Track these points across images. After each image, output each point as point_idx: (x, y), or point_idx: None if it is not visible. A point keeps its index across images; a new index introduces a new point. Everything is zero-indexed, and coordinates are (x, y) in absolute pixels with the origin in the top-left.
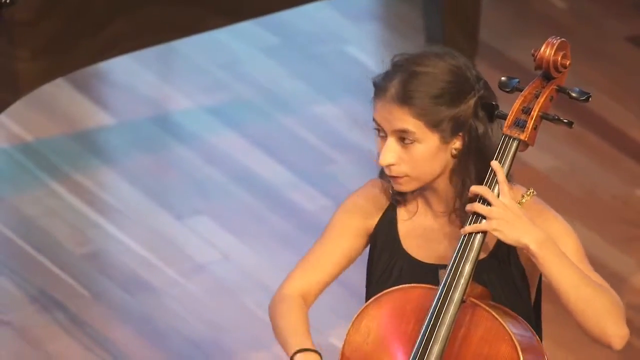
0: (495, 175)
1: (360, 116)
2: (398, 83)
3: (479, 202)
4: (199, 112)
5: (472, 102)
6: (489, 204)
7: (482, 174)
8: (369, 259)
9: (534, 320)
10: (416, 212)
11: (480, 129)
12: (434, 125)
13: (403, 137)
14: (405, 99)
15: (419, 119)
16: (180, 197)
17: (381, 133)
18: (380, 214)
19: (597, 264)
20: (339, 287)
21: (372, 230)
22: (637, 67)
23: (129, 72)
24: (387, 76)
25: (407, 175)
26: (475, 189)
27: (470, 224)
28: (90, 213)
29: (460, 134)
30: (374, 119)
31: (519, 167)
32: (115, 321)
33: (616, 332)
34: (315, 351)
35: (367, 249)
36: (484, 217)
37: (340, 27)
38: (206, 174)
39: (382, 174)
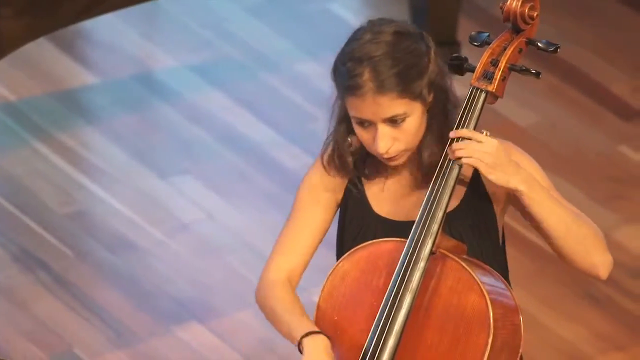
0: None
1: None
2: (370, 75)
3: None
4: (183, 71)
5: (433, 54)
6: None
7: (451, 122)
8: (339, 227)
9: (503, 262)
10: (382, 173)
11: (441, 77)
12: (417, 96)
13: (393, 121)
14: (386, 87)
15: (405, 97)
16: (164, 157)
17: (365, 124)
18: (346, 182)
19: None
20: (328, 249)
21: (341, 200)
22: (622, 23)
23: (113, 31)
24: (351, 73)
25: (403, 150)
26: (461, 132)
27: (445, 165)
28: (75, 173)
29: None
30: (354, 117)
31: (501, 124)
32: (100, 281)
33: (603, 261)
34: (323, 333)
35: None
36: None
37: None
38: (191, 133)
39: (334, 159)
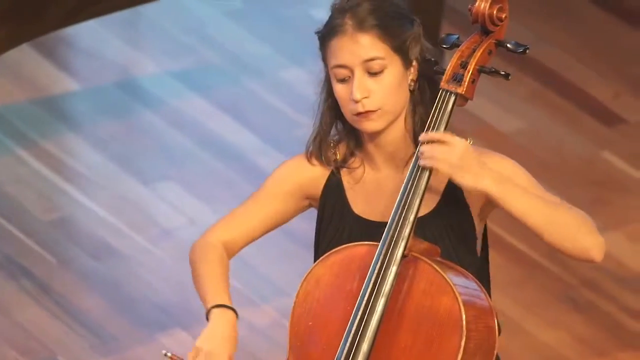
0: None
1: None
2: (352, 16)
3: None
4: (165, 77)
5: (417, 27)
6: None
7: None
8: (318, 226)
9: (483, 271)
10: (360, 170)
11: (428, 57)
12: (397, 47)
13: (371, 67)
14: (367, 25)
15: (385, 41)
16: (147, 163)
17: (341, 77)
18: (325, 180)
19: None
20: (310, 253)
21: (320, 197)
22: (598, 26)
23: (95, 37)
24: (336, 17)
25: (380, 109)
26: (431, 135)
27: (415, 168)
28: (57, 179)
29: (414, 64)
30: (335, 66)
31: (483, 130)
32: (83, 288)
33: (594, 244)
34: (232, 309)
35: (316, 217)
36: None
37: None
38: (173, 139)
39: (316, 143)
